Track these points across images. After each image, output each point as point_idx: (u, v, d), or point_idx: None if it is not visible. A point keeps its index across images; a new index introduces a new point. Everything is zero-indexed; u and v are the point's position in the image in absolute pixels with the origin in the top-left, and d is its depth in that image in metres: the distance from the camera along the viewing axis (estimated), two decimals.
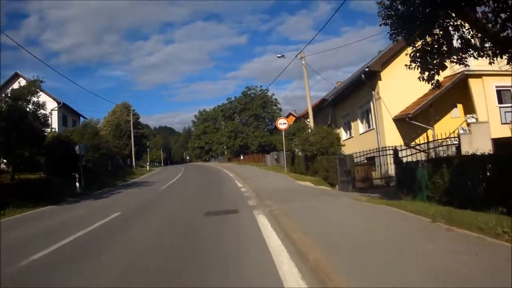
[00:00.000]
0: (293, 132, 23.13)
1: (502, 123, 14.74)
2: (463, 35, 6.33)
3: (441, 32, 6.32)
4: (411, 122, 15.22)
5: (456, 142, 13.50)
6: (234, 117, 60.86)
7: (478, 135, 13.25)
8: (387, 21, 6.39)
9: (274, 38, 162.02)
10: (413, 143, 15.76)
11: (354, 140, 20.05)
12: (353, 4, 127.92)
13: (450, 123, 15.32)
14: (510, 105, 14.88)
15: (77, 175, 16.65)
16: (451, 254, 3.72)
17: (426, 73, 6.67)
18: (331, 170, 15.67)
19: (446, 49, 6.45)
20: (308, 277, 3.57)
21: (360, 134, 19.42)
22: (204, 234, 6.28)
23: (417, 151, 13.18)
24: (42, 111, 16.99)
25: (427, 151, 13.41)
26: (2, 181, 16.23)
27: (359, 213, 6.99)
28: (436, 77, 6.77)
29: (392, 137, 15.82)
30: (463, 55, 6.56)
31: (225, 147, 62.78)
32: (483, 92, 14.93)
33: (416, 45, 6.62)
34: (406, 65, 7.00)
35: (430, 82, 6.79)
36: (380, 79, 16.66)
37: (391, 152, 15.79)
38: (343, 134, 21.91)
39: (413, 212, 5.99)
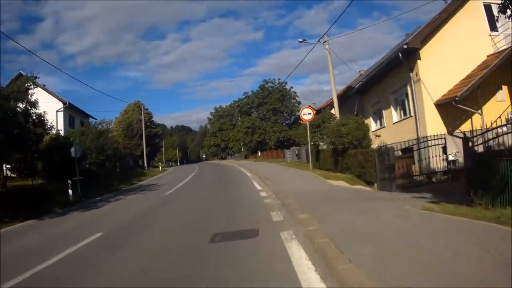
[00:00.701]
0: (317, 124, 20.40)
1: None
2: None
3: None
4: (457, 106, 12.86)
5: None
6: (251, 112, 58.61)
7: None
8: None
9: (291, 33, 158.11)
10: (457, 131, 13.31)
11: (386, 130, 17.90)
12: None
13: (495, 107, 12.83)
14: None
15: (69, 181, 14.41)
16: None
17: None
18: (367, 166, 13.33)
19: None
20: None
21: (394, 123, 17.24)
22: (202, 283, 3.75)
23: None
24: (35, 110, 14.96)
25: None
26: None
27: (452, 236, 4.10)
28: None
29: (434, 125, 13.76)
30: None
31: (241, 144, 60.20)
32: None
33: None
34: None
35: None
36: (420, 58, 14.29)
37: (435, 142, 13.24)
38: (372, 125, 19.57)
39: None
